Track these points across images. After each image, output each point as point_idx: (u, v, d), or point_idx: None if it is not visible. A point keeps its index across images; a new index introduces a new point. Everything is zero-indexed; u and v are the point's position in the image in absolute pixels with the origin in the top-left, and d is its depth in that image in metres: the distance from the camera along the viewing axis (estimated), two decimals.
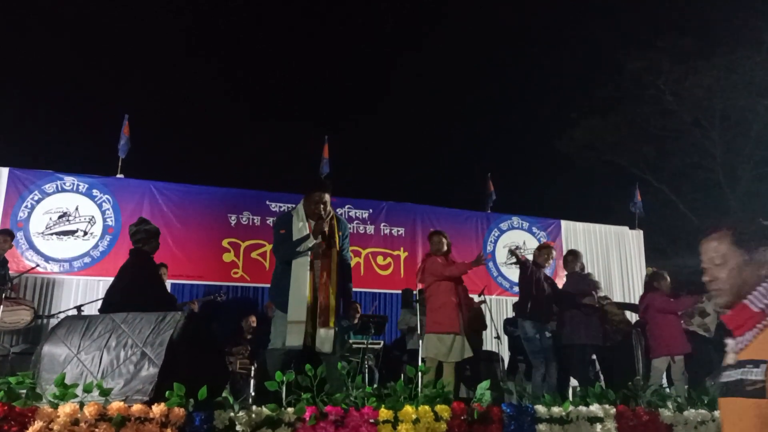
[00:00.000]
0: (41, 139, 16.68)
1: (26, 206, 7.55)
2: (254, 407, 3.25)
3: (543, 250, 6.58)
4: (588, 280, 6.62)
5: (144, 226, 5.29)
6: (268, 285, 4.86)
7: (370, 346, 6.80)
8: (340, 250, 4.53)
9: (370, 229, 9.06)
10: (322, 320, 4.28)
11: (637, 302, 7.29)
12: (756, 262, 1.62)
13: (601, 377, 6.52)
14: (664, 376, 6.54)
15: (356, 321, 7.29)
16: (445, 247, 5.90)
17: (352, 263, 5.02)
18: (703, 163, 18.70)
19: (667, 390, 5.34)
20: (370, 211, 9.13)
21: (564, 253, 7.85)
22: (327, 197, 4.49)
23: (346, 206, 8.96)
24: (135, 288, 4.89)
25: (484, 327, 7.53)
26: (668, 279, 6.64)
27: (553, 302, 6.46)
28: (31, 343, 6.50)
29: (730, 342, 1.63)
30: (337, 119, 21.87)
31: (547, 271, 6.82)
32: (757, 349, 1.53)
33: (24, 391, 3.20)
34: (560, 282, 7.42)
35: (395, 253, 9.08)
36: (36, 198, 7.62)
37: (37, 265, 7.27)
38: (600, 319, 6.62)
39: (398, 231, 9.20)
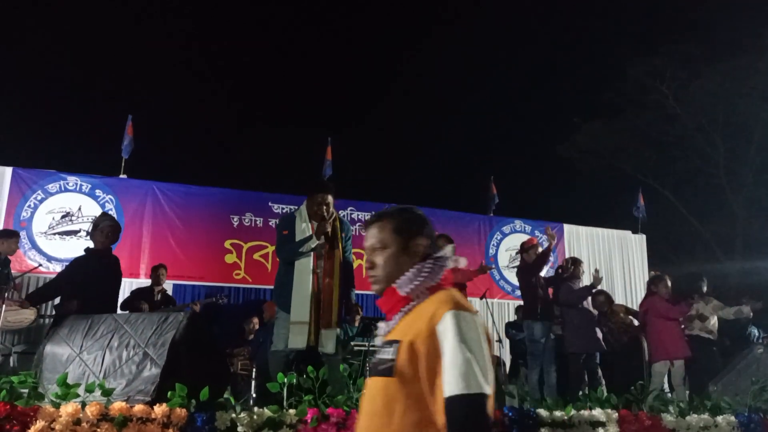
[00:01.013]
0: (45, 139, 16.74)
1: (29, 206, 7.56)
2: (256, 408, 3.25)
3: (531, 249, 6.54)
4: (579, 293, 6.54)
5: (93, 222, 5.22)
6: (271, 286, 4.85)
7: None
8: (343, 251, 4.54)
9: None
10: (325, 321, 4.28)
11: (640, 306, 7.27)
12: (411, 251, 1.67)
13: (602, 381, 6.51)
14: (666, 380, 6.52)
15: (357, 323, 7.28)
16: (450, 252, 5.90)
17: (354, 265, 5.02)
18: (706, 168, 18.69)
19: (669, 395, 5.32)
20: (373, 213, 9.11)
21: (566, 257, 7.82)
22: (330, 199, 4.50)
23: (349, 208, 8.96)
24: (77, 283, 4.84)
25: None
26: (668, 282, 6.61)
27: (554, 303, 6.49)
28: (33, 342, 6.50)
29: (381, 325, 1.67)
30: (340, 121, 21.92)
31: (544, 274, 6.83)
32: (398, 331, 1.57)
33: (26, 390, 3.20)
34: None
35: None
36: (39, 198, 7.63)
37: (40, 265, 7.27)
38: (603, 322, 6.61)
39: None
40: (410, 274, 1.63)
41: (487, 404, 1.41)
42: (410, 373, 1.47)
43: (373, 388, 1.56)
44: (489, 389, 1.42)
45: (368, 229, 1.75)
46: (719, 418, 4.24)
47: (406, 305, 1.61)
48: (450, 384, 1.40)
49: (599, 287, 6.74)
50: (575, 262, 6.77)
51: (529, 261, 6.46)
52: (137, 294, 6.70)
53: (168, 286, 7.37)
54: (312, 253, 4.37)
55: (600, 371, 6.62)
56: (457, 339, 1.43)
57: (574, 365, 6.38)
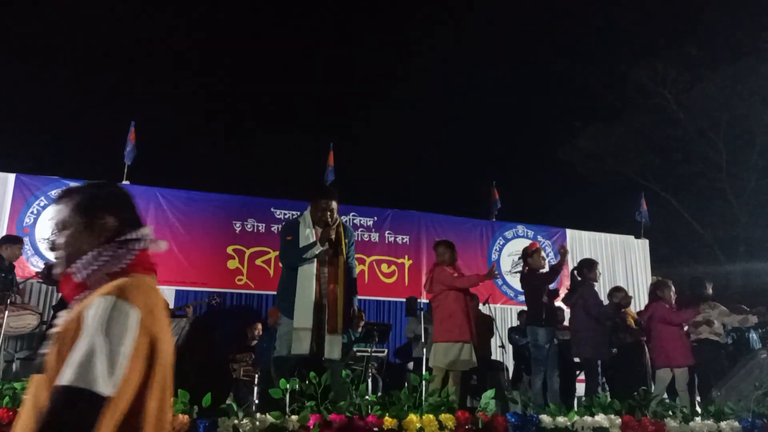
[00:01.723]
0: (48, 146, 16.79)
1: (32, 212, 7.58)
2: (258, 414, 3.25)
3: (535, 254, 6.49)
4: (598, 299, 6.47)
5: None
6: (273, 292, 4.86)
7: (374, 354, 6.78)
8: (346, 257, 4.54)
9: (375, 236, 9.05)
10: (330, 327, 4.28)
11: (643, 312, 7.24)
12: (95, 231, 1.48)
13: (606, 387, 6.48)
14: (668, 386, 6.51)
15: (360, 329, 7.28)
16: (452, 257, 5.89)
17: (357, 270, 5.03)
18: (708, 172, 18.68)
19: (668, 401, 5.30)
20: (375, 218, 9.13)
21: (577, 261, 7.76)
22: (334, 204, 4.50)
23: (351, 214, 8.96)
24: None
25: (492, 334, 7.49)
26: (672, 288, 6.59)
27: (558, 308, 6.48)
28: (35, 348, 6.50)
29: (62, 314, 1.42)
30: (342, 127, 21.94)
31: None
32: (66, 324, 1.33)
33: None
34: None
35: (400, 260, 9.07)
36: (42, 204, 7.64)
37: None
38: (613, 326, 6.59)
39: (403, 239, 9.20)
40: (89, 257, 1.43)
41: (92, 405, 1.18)
42: (56, 369, 1.24)
43: (32, 384, 1.36)
44: (108, 390, 1.20)
45: (53, 206, 1.53)
46: (723, 424, 4.23)
47: (81, 293, 1.40)
48: (63, 372, 1.20)
49: (615, 284, 6.71)
50: (591, 265, 6.65)
51: (533, 265, 6.42)
52: None
53: (170, 291, 7.37)
54: (316, 259, 4.38)
55: (603, 377, 6.60)
56: (94, 326, 1.24)
57: (591, 372, 6.34)
